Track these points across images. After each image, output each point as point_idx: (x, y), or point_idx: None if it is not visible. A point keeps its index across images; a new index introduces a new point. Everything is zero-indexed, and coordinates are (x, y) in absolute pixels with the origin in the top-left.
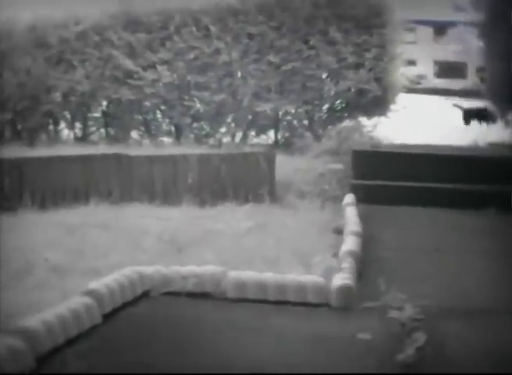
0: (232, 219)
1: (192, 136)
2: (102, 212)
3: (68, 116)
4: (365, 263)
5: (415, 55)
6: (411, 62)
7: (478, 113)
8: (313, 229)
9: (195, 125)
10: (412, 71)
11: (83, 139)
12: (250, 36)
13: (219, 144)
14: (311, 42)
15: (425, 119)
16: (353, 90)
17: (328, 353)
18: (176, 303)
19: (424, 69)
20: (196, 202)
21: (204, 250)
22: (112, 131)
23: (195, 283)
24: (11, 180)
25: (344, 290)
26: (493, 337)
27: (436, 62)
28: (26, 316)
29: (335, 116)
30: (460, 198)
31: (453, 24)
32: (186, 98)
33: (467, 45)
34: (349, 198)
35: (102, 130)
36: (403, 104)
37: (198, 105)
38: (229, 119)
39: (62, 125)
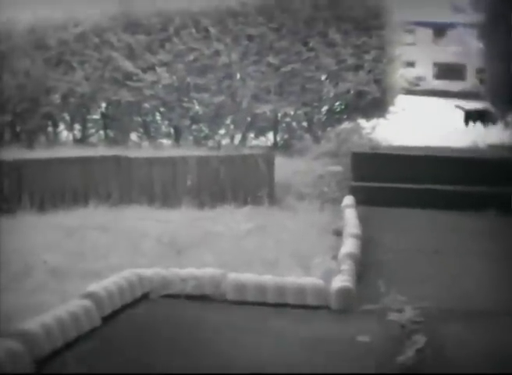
0: (232, 221)
1: (191, 138)
2: (101, 214)
3: (67, 117)
4: (365, 265)
5: (414, 57)
6: (410, 64)
7: (479, 114)
8: (312, 231)
9: (194, 127)
10: (411, 73)
11: (82, 141)
12: (250, 37)
13: (218, 146)
14: (311, 44)
15: (424, 121)
16: (352, 92)
17: (328, 355)
18: (176, 305)
19: (424, 70)
20: (195, 204)
21: (204, 252)
22: (111, 133)
23: (194, 286)
24: (10, 182)
25: (344, 292)
26: (493, 338)
27: (435, 64)
28: (26, 319)
29: (334, 118)
30: (459, 200)
31: (452, 26)
32: (186, 99)
33: (467, 47)
34: (348, 199)
35: (101, 132)
36: (402, 106)
37: (197, 107)
38: (228, 121)
39: (61, 127)
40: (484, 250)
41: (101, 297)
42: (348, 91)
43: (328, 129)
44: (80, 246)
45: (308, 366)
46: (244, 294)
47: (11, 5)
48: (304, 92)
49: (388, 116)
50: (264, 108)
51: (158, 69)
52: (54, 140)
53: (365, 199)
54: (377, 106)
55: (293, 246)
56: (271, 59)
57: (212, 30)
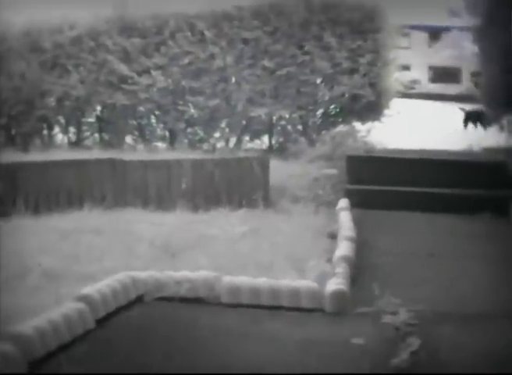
0: (226, 224)
1: (186, 141)
2: (96, 217)
3: (62, 120)
4: (359, 268)
5: (410, 60)
6: (406, 67)
7: (479, 115)
8: (307, 234)
9: (189, 130)
10: (406, 76)
11: (77, 144)
12: (245, 41)
13: (213, 149)
14: (306, 47)
15: (419, 124)
16: (347, 95)
17: (322, 358)
18: (170, 308)
19: (419, 74)
20: (190, 207)
21: (198, 255)
22: (106, 136)
23: (189, 289)
24: (5, 185)
25: (338, 295)
26: (487, 341)
27: (431, 67)
28: (20, 322)
29: (329, 121)
30: (455, 203)
31: (447, 29)
32: (181, 103)
33: (462, 50)
34: (343, 202)
35: (96, 135)
36: (397, 109)
37: (192, 110)
38: (223, 124)
39: (56, 130)
40: (479, 253)
41: (95, 300)
42: (343, 95)
43: (323, 132)
44: (74, 249)
45: (302, 369)
46: (239, 297)
47: (6, 8)
48: (299, 95)
49: (383, 119)
50: (260, 112)
51: (153, 73)
52: (49, 143)
53: (360, 202)
54: (372, 109)
55: (288, 249)
56: (266, 63)
57: (207, 34)
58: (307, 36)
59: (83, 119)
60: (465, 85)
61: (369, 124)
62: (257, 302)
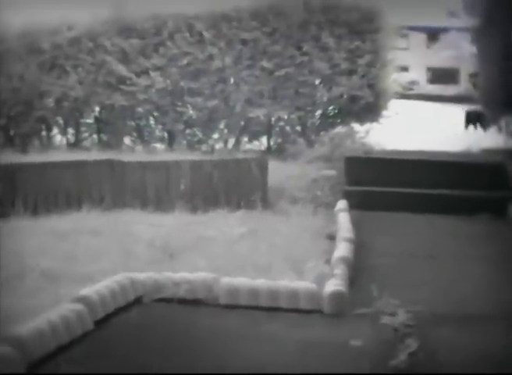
0: (225, 225)
1: (185, 142)
2: (94, 218)
3: (61, 121)
4: (358, 270)
5: (408, 61)
6: (404, 68)
7: (479, 115)
8: (305, 235)
9: (188, 131)
10: (405, 77)
11: (75, 145)
12: (244, 42)
13: (212, 150)
14: (304, 48)
15: (418, 125)
16: (345, 96)
17: (321, 359)
18: (169, 309)
19: (417, 75)
20: (188, 209)
21: (197, 256)
22: (104, 137)
23: (187, 290)
24: (3, 186)
25: (336, 296)
26: (485, 342)
27: (429, 68)
28: (18, 323)
29: (327, 122)
30: (453, 204)
31: (446, 30)
32: (179, 104)
33: (460, 51)
34: (341, 204)
35: (95, 136)
36: (396, 110)
37: (191, 111)
38: (221, 126)
39: (55, 131)
40: (478, 254)
41: (93, 301)
42: (341, 96)
43: (322, 133)
44: (73, 250)
45: (301, 370)
46: (237, 299)
47: (4, 9)
48: (298, 96)
49: (381, 120)
50: (258, 113)
51: (152, 74)
52: (47, 144)
53: (359, 203)
54: (370, 111)
55: (286, 250)
56: (264, 64)
57: (206, 35)
58: (305, 37)
59: (82, 120)
60: (463, 86)
61: (368, 125)
62: (255, 304)
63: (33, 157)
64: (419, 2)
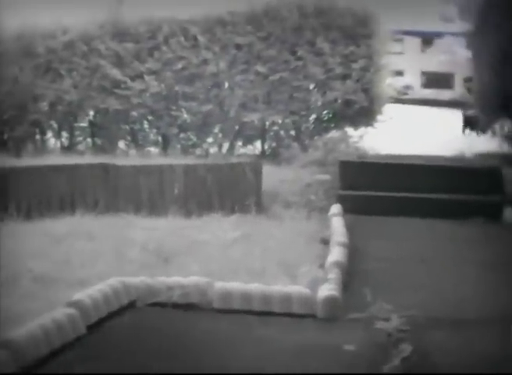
0: (219, 229)
1: (179, 146)
2: (88, 222)
3: (55, 125)
4: (351, 274)
5: (403, 66)
6: (399, 73)
7: (477, 119)
8: (299, 239)
9: (182, 135)
10: (399, 81)
11: (69, 149)
12: (238, 46)
13: (206, 154)
14: (299, 53)
15: (412, 130)
16: (340, 101)
17: (314, 364)
18: (162, 314)
19: (412, 79)
20: (182, 213)
21: (190, 260)
22: (98, 141)
23: (181, 294)
24: None
25: (330, 301)
26: (479, 346)
27: (424, 73)
28: (11, 327)
29: (322, 127)
30: (447, 208)
31: (440, 35)
32: (174, 108)
33: (455, 56)
34: (335, 208)
35: (89, 140)
36: (390, 114)
37: (185, 116)
38: (216, 130)
39: (49, 134)
40: (472, 257)
41: (86, 305)
42: (336, 100)
43: (316, 137)
44: (66, 254)
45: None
46: (231, 303)
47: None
48: (292, 101)
49: (375, 124)
50: (252, 117)
51: (147, 78)
52: (41, 147)
53: (353, 208)
54: (365, 115)
55: (280, 255)
56: (259, 68)
57: (201, 39)
58: (300, 41)
59: (76, 124)
60: (458, 91)
61: (362, 130)
62: (249, 308)
63: (27, 161)
64: (414, 7)
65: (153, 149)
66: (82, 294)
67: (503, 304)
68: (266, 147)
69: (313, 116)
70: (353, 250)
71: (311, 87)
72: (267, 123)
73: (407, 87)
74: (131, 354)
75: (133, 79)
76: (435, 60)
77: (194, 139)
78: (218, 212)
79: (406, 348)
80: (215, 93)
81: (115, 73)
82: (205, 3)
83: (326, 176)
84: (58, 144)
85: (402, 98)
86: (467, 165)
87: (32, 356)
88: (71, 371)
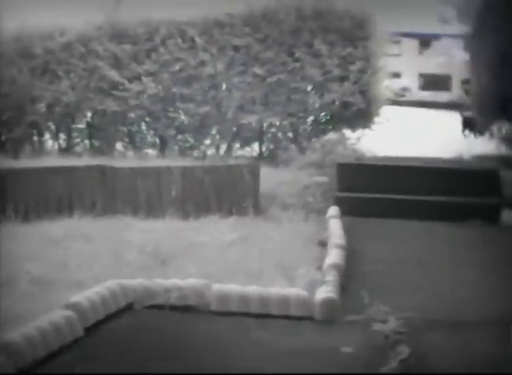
0: (216, 231)
1: (176, 148)
2: (86, 224)
3: (52, 127)
4: (349, 276)
5: (400, 68)
6: (396, 75)
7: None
8: (297, 241)
9: (180, 137)
10: (397, 83)
11: (67, 150)
12: (236, 48)
13: (204, 156)
14: (296, 55)
15: (410, 132)
16: (337, 102)
17: (311, 366)
18: (160, 316)
19: (409, 81)
20: (180, 215)
21: (188, 262)
22: (96, 143)
23: (178, 296)
24: None
25: (328, 303)
26: (477, 348)
27: (421, 75)
28: (8, 329)
29: (319, 129)
30: (445, 210)
31: (437, 37)
32: (171, 109)
33: (453, 58)
34: (333, 210)
35: (87, 142)
36: (388, 116)
37: (183, 117)
38: (213, 132)
39: (47, 136)
40: (470, 260)
41: (83, 307)
42: (333, 102)
43: (314, 139)
44: (64, 256)
45: None
46: (228, 305)
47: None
48: (290, 103)
49: (373, 126)
50: (250, 119)
51: (144, 79)
52: (39, 149)
53: (350, 210)
54: (362, 117)
55: (278, 257)
56: (256, 70)
57: (198, 40)
58: (297, 43)
59: (74, 126)
60: (455, 92)
61: (359, 132)
62: (246, 310)
63: (25, 162)
64: (411, 9)
65: (150, 151)
66: (80, 297)
67: (501, 306)
68: (264, 149)
69: (311, 118)
70: (351, 252)
71: (309, 88)
72: (264, 125)
73: (405, 89)
74: (129, 356)
75: (130, 80)
76: (433, 62)
77: (192, 141)
78: (216, 214)
79: (403, 350)
80: (213, 95)
81: (113, 74)
82: (203, 5)
83: (324, 178)
84: (56, 146)
85: (399, 100)
86: (464, 167)
87: (30, 358)
88: (68, 373)
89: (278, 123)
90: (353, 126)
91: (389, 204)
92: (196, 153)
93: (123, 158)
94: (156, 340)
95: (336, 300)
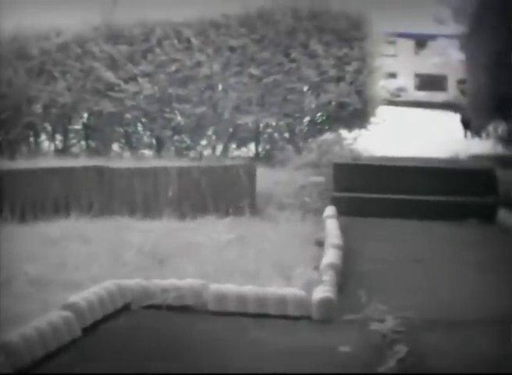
0: (213, 231)
1: (173, 148)
2: (83, 224)
3: (49, 127)
4: (346, 276)
5: (396, 68)
6: (392, 75)
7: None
8: (294, 241)
9: (176, 138)
10: (393, 84)
11: (63, 151)
12: (232, 49)
13: (200, 156)
14: (292, 55)
15: (406, 132)
16: (333, 103)
17: (309, 366)
18: (157, 316)
19: (405, 81)
20: (176, 215)
21: (185, 263)
22: (92, 143)
23: (176, 296)
24: None
25: (325, 302)
26: (475, 348)
27: (417, 75)
28: (5, 330)
29: (316, 129)
30: (442, 210)
31: (434, 37)
32: (167, 110)
33: (448, 58)
34: (330, 210)
35: (83, 143)
36: (384, 116)
37: (179, 118)
38: (209, 132)
39: (43, 137)
40: (468, 259)
41: (81, 308)
42: (330, 102)
43: (310, 140)
44: (61, 257)
45: None
46: (226, 305)
47: None
48: (286, 103)
49: (369, 126)
50: (246, 119)
51: (140, 80)
52: (35, 150)
53: (347, 210)
54: (358, 117)
55: (275, 256)
56: (253, 70)
57: (194, 41)
58: (293, 44)
59: (70, 127)
60: (451, 93)
61: (356, 132)
62: (244, 310)
63: (21, 163)
64: (407, 9)
65: (147, 151)
66: (77, 297)
67: (500, 305)
68: (260, 149)
69: (307, 119)
70: (348, 252)
71: (305, 89)
72: (261, 126)
73: (401, 89)
74: (126, 356)
75: (126, 81)
76: (429, 62)
77: (188, 141)
78: (213, 215)
79: (401, 350)
80: (209, 95)
81: (109, 75)
82: (199, 6)
83: (320, 178)
84: (52, 147)
85: (395, 100)
86: (461, 166)
87: (28, 358)
88: (67, 373)
89: (274, 124)
90: (349, 127)
91: (385, 204)
92: (192, 154)
93: (120, 158)
94: (154, 340)
95: (333, 299)
